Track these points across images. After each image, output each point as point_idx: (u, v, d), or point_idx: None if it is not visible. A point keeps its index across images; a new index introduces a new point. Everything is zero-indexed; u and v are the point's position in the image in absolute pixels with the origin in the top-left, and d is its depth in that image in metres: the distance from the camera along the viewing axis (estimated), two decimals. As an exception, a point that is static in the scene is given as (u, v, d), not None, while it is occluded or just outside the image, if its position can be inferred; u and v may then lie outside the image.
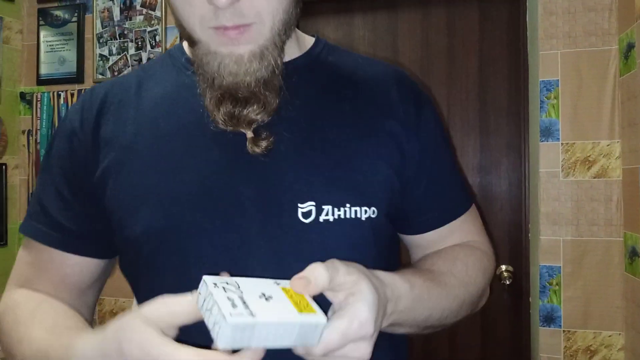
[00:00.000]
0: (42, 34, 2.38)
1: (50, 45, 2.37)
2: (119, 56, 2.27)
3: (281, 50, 0.65)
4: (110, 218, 0.69)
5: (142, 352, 0.47)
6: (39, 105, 2.34)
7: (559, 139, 1.80)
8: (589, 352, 1.77)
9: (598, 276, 1.76)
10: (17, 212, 2.36)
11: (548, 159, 1.80)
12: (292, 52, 0.72)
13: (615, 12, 1.76)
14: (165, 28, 2.23)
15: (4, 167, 2.29)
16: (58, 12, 2.35)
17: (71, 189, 0.71)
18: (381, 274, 0.58)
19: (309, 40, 0.77)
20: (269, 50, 0.62)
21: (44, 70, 2.37)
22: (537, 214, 1.83)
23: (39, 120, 2.33)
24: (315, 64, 0.74)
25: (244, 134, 0.67)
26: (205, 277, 0.49)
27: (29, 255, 0.74)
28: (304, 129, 0.69)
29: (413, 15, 2.04)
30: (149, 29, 2.23)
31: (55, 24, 2.36)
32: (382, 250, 0.72)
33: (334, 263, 0.53)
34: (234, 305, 0.45)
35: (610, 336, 1.75)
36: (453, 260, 0.74)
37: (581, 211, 1.78)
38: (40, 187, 0.74)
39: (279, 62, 0.64)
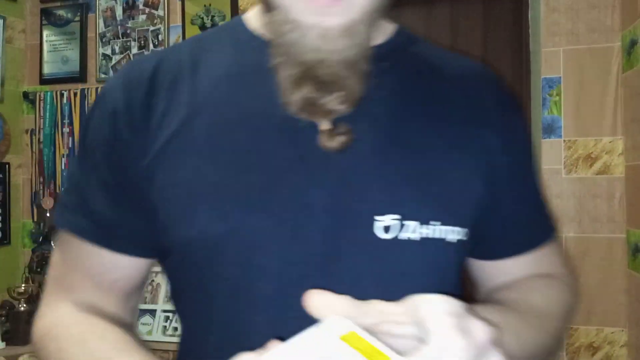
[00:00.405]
0: (44, 33, 2.39)
1: (53, 45, 2.38)
2: (122, 55, 2.28)
3: (370, 30, 0.56)
4: (156, 215, 0.59)
5: None
6: (42, 104, 2.35)
7: (561, 135, 1.80)
8: (591, 348, 1.78)
9: (601, 273, 1.77)
10: (20, 211, 2.37)
11: (550, 156, 1.81)
12: (374, 37, 0.60)
13: (618, 9, 1.76)
14: (168, 27, 2.23)
15: (7, 166, 2.30)
16: (61, 12, 2.36)
17: (116, 178, 0.60)
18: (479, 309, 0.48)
19: (390, 27, 0.66)
20: (360, 27, 0.53)
21: (47, 69, 2.38)
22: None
23: (42, 120, 2.34)
24: (400, 54, 0.63)
25: (317, 126, 0.57)
26: None
27: (69, 255, 0.63)
28: (388, 127, 0.59)
29: (417, 13, 2.05)
30: (151, 28, 2.24)
31: (58, 23, 2.37)
32: (459, 279, 0.63)
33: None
34: None
35: (613, 333, 1.76)
36: (542, 297, 0.63)
37: (584, 208, 1.78)
38: (79, 175, 0.63)
39: (368, 43, 0.55)
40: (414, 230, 0.55)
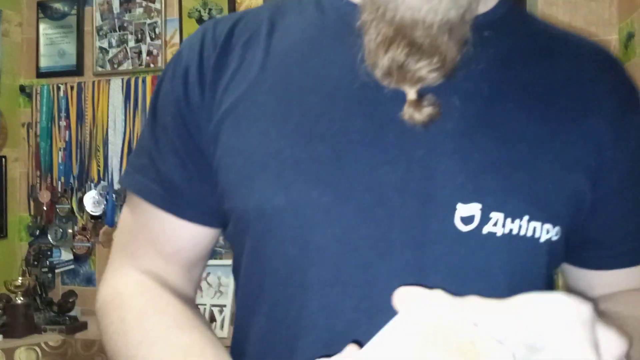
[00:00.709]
0: (41, 26, 2.38)
1: (49, 38, 2.37)
2: (119, 49, 2.27)
3: None
4: (218, 181, 0.56)
5: None
6: (38, 98, 2.34)
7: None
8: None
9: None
10: (17, 204, 2.36)
11: None
12: (478, 2, 0.54)
13: (615, 2, 1.76)
14: (165, 20, 2.23)
15: (3, 159, 2.29)
16: (57, 5, 2.36)
17: (185, 141, 0.57)
18: None
19: None
20: None
21: (43, 63, 2.37)
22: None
23: (38, 113, 2.34)
24: (505, 26, 0.56)
25: (402, 96, 0.50)
26: None
27: (136, 219, 0.61)
28: (481, 106, 0.52)
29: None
30: (148, 21, 2.23)
31: (55, 16, 2.36)
32: (549, 285, 0.56)
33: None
34: None
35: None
36: (633, 313, 0.55)
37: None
38: (148, 137, 0.60)
39: (473, 6, 0.49)
40: (498, 224, 0.49)
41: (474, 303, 0.33)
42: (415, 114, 0.49)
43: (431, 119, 0.49)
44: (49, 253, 2.31)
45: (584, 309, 0.32)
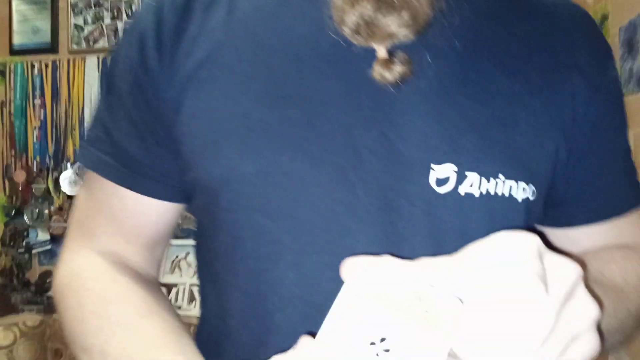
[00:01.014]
0: (14, 3, 2.32)
1: (23, 15, 2.32)
2: (95, 26, 2.23)
3: None
4: (180, 151, 0.52)
5: None
6: (12, 76, 2.29)
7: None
8: None
9: None
10: (-8, 185, 2.33)
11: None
12: None
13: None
14: (142, -3, 2.20)
15: (-23, 139, 2.25)
16: (30, -19, 2.30)
17: (142, 111, 0.53)
18: None
19: None
20: None
21: (17, 40, 2.32)
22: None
23: (12, 91, 2.29)
24: None
25: (372, 54, 0.48)
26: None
27: (93, 196, 0.57)
28: (455, 63, 0.50)
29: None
30: (124, -2, 2.20)
31: (28, -8, 2.31)
32: None
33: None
34: None
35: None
36: (620, 270, 0.55)
37: None
38: (103, 108, 0.56)
39: None
40: (474, 184, 0.48)
41: (420, 262, 0.34)
42: (386, 73, 0.47)
43: (403, 78, 0.47)
44: (25, 234, 2.29)
45: (528, 243, 0.32)
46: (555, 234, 0.59)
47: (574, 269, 0.33)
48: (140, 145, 0.53)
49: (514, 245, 0.32)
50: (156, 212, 0.56)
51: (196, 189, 0.53)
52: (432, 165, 0.48)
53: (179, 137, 0.51)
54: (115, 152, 0.54)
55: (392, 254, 0.42)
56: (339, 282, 0.44)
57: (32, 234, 2.29)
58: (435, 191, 0.48)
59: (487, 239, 0.34)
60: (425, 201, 0.48)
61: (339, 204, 0.47)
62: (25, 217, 2.26)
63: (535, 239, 0.33)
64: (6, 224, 2.30)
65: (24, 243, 2.27)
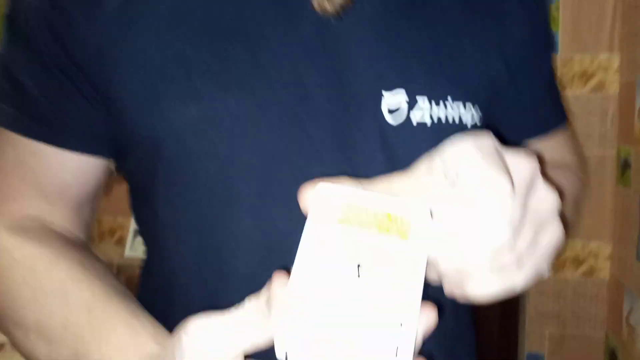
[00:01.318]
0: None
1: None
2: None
3: None
4: (111, 100, 0.47)
5: None
6: None
7: (557, 52, 1.78)
8: (576, 261, 1.85)
9: (590, 189, 1.81)
10: None
11: (546, 74, 1.80)
12: None
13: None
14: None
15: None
16: None
17: (58, 57, 0.47)
18: None
19: None
20: None
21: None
22: (533, 129, 1.85)
23: None
24: None
25: None
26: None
27: (5, 157, 0.50)
28: None
29: None
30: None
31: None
32: None
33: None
34: None
35: (598, 246, 1.82)
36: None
37: (576, 126, 1.80)
38: (8, 56, 0.49)
39: None
40: (425, 111, 0.47)
41: (379, 179, 0.34)
42: (325, 3, 0.45)
43: (342, 8, 0.45)
44: (130, 193, 2.29)
45: (483, 141, 0.33)
46: None
47: (531, 162, 0.33)
48: (56, 95, 0.48)
49: (470, 145, 0.32)
50: (79, 169, 0.50)
51: (131, 143, 0.48)
52: (383, 92, 0.47)
53: (106, 86, 0.47)
54: (27, 105, 0.48)
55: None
56: (297, 223, 0.42)
57: (132, 208, 2.28)
58: (388, 123, 0.47)
59: (441, 146, 0.33)
60: (379, 134, 0.47)
61: (291, 144, 0.46)
62: None
63: (489, 135, 0.33)
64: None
65: (130, 201, 2.27)
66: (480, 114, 0.52)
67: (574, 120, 1.91)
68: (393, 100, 0.47)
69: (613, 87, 1.75)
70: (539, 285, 1.88)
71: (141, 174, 0.50)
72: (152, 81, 0.45)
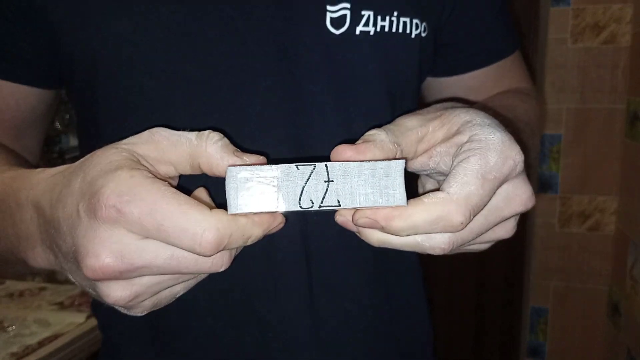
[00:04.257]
0: None
1: None
2: None
3: None
4: (51, 23, 0.46)
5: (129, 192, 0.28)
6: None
7: (569, 3, 1.74)
8: (582, 216, 1.85)
9: (598, 143, 1.80)
10: (22, 92, 2.36)
11: (558, 25, 1.76)
12: None
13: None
14: None
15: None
16: None
17: None
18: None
19: None
20: None
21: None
22: (542, 83, 1.83)
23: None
24: None
25: None
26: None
27: None
28: None
29: None
30: None
31: None
32: (419, 89, 0.55)
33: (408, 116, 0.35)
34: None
35: (604, 201, 1.82)
36: (513, 108, 0.56)
37: (587, 78, 1.77)
38: None
39: None
40: (369, 23, 0.47)
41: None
42: None
43: None
44: (57, 139, 2.34)
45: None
46: (455, 87, 0.62)
47: (515, 157, 0.32)
48: None
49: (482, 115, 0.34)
50: (17, 97, 0.51)
51: (72, 65, 0.47)
52: (328, 7, 0.46)
53: (42, 11, 0.46)
54: None
55: (297, 105, 0.44)
56: (241, 140, 0.42)
57: (64, 139, 2.35)
58: (331, 32, 0.46)
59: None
60: (322, 44, 0.46)
61: (230, 57, 0.44)
62: (56, 123, 2.31)
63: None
64: (39, 131, 2.36)
65: (57, 148, 2.34)
66: (428, 30, 0.52)
67: (585, 72, 1.88)
68: (337, 14, 0.46)
69: (625, 39, 1.72)
70: (544, 240, 1.89)
71: (84, 95, 0.49)
72: None
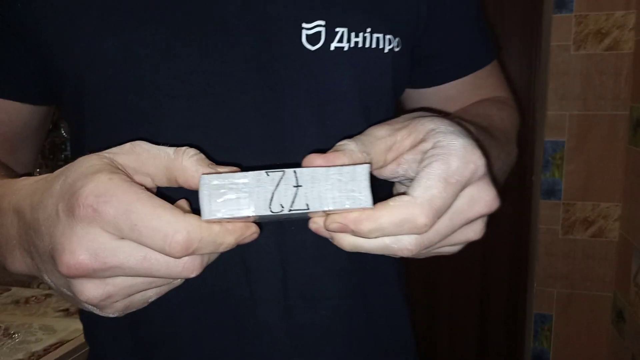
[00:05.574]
0: None
1: None
2: None
3: None
4: (41, 43, 0.48)
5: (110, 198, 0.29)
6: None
7: (572, 10, 1.75)
8: (586, 222, 1.85)
9: (601, 149, 1.80)
10: (28, 99, 2.38)
11: (560, 32, 1.77)
12: None
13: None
14: None
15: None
16: None
17: None
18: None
19: None
20: None
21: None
22: (545, 90, 1.83)
23: None
24: None
25: None
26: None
27: None
28: None
29: None
30: None
31: None
32: (394, 101, 0.57)
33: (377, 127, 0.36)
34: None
35: (608, 207, 1.82)
36: (489, 117, 0.57)
37: (590, 85, 1.78)
38: None
39: None
40: (343, 39, 0.48)
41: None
42: None
43: None
44: (63, 147, 2.36)
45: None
46: (434, 97, 0.63)
47: (476, 160, 0.33)
48: None
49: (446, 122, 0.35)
50: (9, 113, 0.53)
51: (61, 83, 0.49)
52: (303, 24, 0.47)
53: (32, 31, 0.48)
54: None
55: (275, 119, 0.46)
56: (222, 154, 0.44)
57: (69, 147, 2.36)
58: (307, 48, 0.48)
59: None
60: (299, 60, 0.47)
61: (211, 74, 0.46)
62: (62, 131, 2.32)
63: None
64: (45, 137, 2.37)
65: (62, 156, 2.35)
66: (402, 45, 0.53)
67: (587, 79, 1.89)
68: (312, 30, 0.48)
69: (628, 45, 1.72)
70: (548, 246, 1.89)
71: (73, 110, 0.51)
72: (71, 18, 0.46)
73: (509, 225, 2.02)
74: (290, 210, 0.30)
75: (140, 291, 0.32)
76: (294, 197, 0.30)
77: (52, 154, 2.37)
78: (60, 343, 1.03)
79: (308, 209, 0.30)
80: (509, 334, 2.08)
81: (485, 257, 2.03)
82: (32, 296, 1.28)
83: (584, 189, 1.83)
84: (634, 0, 1.70)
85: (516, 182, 2.00)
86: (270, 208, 0.30)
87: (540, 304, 1.94)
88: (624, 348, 1.73)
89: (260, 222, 0.33)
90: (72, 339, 1.05)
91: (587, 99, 1.78)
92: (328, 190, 0.30)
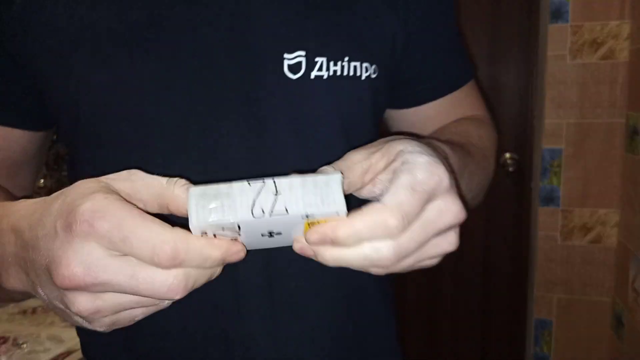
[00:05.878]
0: None
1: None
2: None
3: None
4: (35, 72, 0.50)
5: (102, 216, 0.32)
6: None
7: (568, 20, 1.78)
8: (584, 229, 1.87)
9: (599, 157, 1.82)
10: (32, 110, 2.39)
11: (556, 42, 1.80)
12: None
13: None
14: None
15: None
16: None
17: None
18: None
19: None
20: None
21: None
22: (542, 99, 1.86)
23: None
24: None
25: None
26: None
27: None
28: None
29: None
30: None
31: None
32: (375, 123, 0.59)
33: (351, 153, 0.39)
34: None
35: (606, 214, 1.84)
36: (466, 134, 0.60)
37: (586, 94, 1.80)
38: None
39: None
40: (323, 68, 0.51)
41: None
42: None
43: None
44: (67, 158, 2.38)
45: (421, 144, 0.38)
46: (414, 117, 0.66)
47: (440, 174, 0.35)
48: None
49: (414, 143, 0.38)
50: (9, 140, 0.55)
51: (56, 111, 0.52)
52: (285, 55, 0.50)
53: (27, 60, 0.50)
54: None
55: (260, 145, 0.48)
56: (209, 179, 0.45)
57: (67, 169, 2.38)
58: (289, 77, 0.50)
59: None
60: (281, 89, 0.50)
61: (199, 103, 0.49)
62: (66, 141, 2.35)
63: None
64: (49, 148, 2.39)
65: (66, 167, 2.37)
66: (378, 72, 0.55)
67: (584, 88, 1.91)
68: (294, 60, 0.50)
69: (623, 54, 1.75)
70: (547, 253, 1.91)
71: (68, 136, 0.53)
72: (64, 50, 0.48)
73: (508, 232, 2.05)
74: (271, 214, 0.33)
75: (128, 309, 0.34)
76: (274, 203, 0.33)
77: (57, 165, 2.40)
78: (68, 352, 1.05)
79: (287, 212, 0.33)
80: (510, 339, 2.09)
81: (485, 264, 2.05)
82: (39, 306, 1.30)
83: (582, 195, 1.85)
84: (628, 10, 1.72)
85: (515, 189, 2.02)
86: (252, 213, 0.33)
87: (540, 309, 1.95)
88: (624, 353, 1.75)
89: (247, 247, 0.36)
90: (79, 349, 1.07)
91: (584, 107, 1.81)
92: (305, 196, 0.33)
